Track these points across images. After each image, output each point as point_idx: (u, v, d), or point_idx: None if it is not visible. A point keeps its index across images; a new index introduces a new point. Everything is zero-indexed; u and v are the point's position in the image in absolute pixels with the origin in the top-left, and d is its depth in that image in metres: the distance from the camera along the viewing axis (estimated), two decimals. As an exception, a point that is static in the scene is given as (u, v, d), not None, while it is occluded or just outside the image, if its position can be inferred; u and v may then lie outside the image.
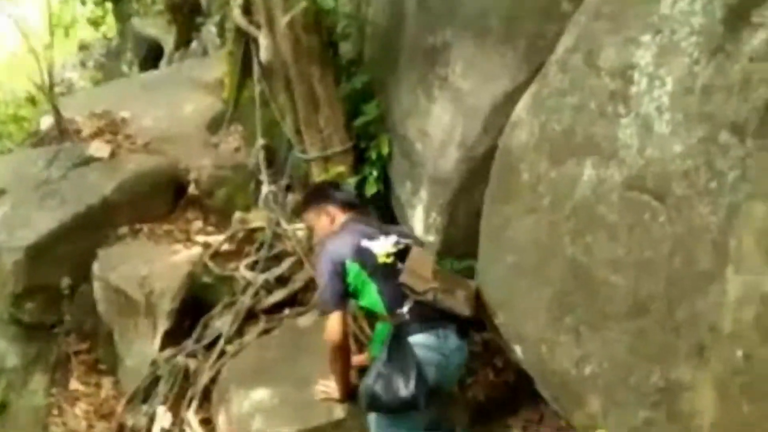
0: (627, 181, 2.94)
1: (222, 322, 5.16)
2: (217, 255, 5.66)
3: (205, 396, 4.79)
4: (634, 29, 2.98)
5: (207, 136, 7.24)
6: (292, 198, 5.72)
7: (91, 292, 6.12)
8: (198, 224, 6.50)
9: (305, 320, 4.90)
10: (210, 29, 10.20)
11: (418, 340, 3.46)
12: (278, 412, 4.15)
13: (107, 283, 5.92)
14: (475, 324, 3.72)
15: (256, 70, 6.17)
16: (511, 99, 3.88)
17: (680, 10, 2.77)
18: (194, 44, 11.21)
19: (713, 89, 2.62)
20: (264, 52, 5.58)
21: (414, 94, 4.70)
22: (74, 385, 6.15)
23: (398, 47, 4.99)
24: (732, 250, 2.51)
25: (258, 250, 5.58)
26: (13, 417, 6.06)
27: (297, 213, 4.73)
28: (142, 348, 5.51)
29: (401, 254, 3.68)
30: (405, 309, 3.50)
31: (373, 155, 5.15)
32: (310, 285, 4.98)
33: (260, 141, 6.16)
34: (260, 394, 4.29)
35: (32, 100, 10.14)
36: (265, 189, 5.91)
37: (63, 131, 7.38)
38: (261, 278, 5.24)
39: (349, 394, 3.87)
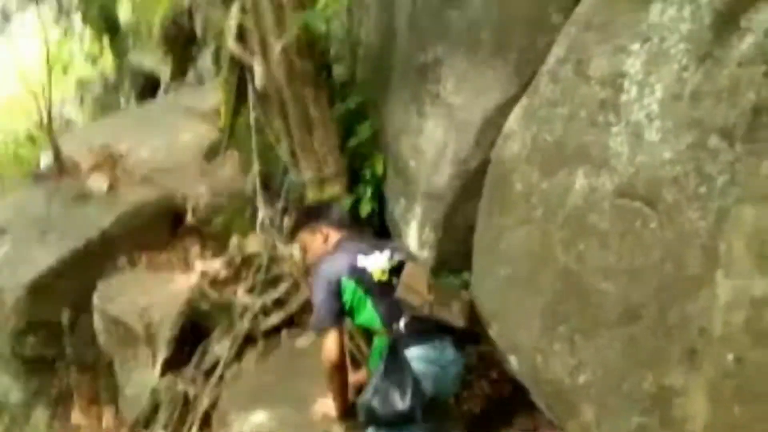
0: (618, 189, 2.93)
1: (220, 347, 5.19)
2: (215, 281, 5.68)
3: (206, 421, 4.80)
4: (623, 38, 3.00)
5: (204, 165, 7.30)
6: (289, 221, 5.73)
7: (92, 324, 6.15)
8: (196, 251, 6.53)
9: (303, 341, 4.92)
10: (205, 59, 10.30)
11: (415, 353, 3.46)
12: (278, 433, 4.13)
13: (107, 314, 5.95)
14: (471, 336, 3.72)
15: (251, 96, 6.24)
16: (502, 112, 3.89)
17: (669, 18, 2.79)
18: (190, 74, 11.32)
19: (702, 95, 2.62)
20: (258, 79, 5.65)
21: (406, 111, 4.71)
22: (76, 417, 6.20)
23: (390, 66, 5.02)
24: (722, 254, 2.49)
25: (255, 274, 5.59)
26: (16, 452, 6.09)
27: (293, 235, 4.70)
28: (142, 376, 5.52)
29: (396, 270, 3.69)
30: (402, 323, 3.52)
31: (368, 174, 5.18)
32: (306, 307, 4.99)
33: (256, 166, 6.20)
34: (260, 417, 4.27)
35: (32, 139, 10.24)
36: (261, 214, 5.93)
37: (62, 167, 7.48)
38: (258, 302, 5.26)
39: (348, 411, 3.85)
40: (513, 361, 3.53)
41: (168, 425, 4.97)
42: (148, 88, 12.45)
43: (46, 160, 7.97)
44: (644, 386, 2.75)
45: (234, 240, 6.01)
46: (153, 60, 12.34)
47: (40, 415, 6.47)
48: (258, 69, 5.60)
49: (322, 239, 4.01)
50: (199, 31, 10.67)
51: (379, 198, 5.15)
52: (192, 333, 5.49)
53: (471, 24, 4.19)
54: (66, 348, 6.39)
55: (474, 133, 4.12)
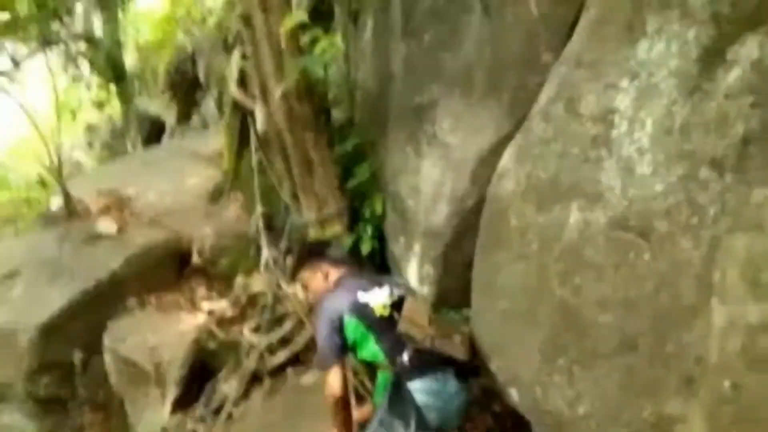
0: (612, 222, 2.97)
1: (228, 386, 5.23)
2: (221, 321, 5.75)
3: (215, 459, 4.79)
4: (612, 75, 3.06)
5: (208, 207, 7.41)
6: (292, 261, 5.78)
7: (103, 364, 6.23)
8: (202, 292, 6.59)
9: (308, 379, 4.95)
10: (209, 104, 10.44)
11: (419, 386, 3.49)
12: (284, 471, 4.15)
13: (118, 354, 6.03)
14: (472, 368, 3.75)
15: (253, 140, 6.34)
16: (497, 150, 3.95)
17: (657, 53, 2.85)
18: (195, 118, 11.46)
19: (691, 127, 2.68)
20: (260, 123, 5.75)
21: (404, 152, 4.78)
22: (89, 456, 6.19)
23: (387, 109, 5.10)
24: (716, 283, 2.53)
25: (260, 313, 5.65)
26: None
27: (295, 274, 4.76)
28: (153, 415, 5.57)
29: (396, 305, 3.74)
30: (405, 357, 3.54)
31: (367, 214, 5.26)
32: (311, 344, 5.03)
33: (259, 208, 6.29)
34: (267, 455, 4.29)
35: (42, 183, 10.33)
36: (265, 254, 5.99)
37: (72, 211, 7.58)
38: (264, 341, 5.31)
39: None
40: (513, 394, 3.54)
41: (179, 463, 4.99)
42: (154, 132, 12.62)
43: (56, 203, 8.06)
44: (643, 415, 2.76)
45: (239, 280, 6.08)
46: (158, 105, 12.54)
47: (55, 453, 6.51)
48: (259, 114, 5.70)
49: (322, 277, 4.06)
50: (202, 77, 10.83)
51: (379, 236, 5.21)
52: (200, 372, 5.54)
53: (464, 66, 4.27)
54: (78, 388, 6.45)
55: (470, 171, 4.19)
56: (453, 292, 4.33)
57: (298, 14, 5.04)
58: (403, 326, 3.56)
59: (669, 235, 2.72)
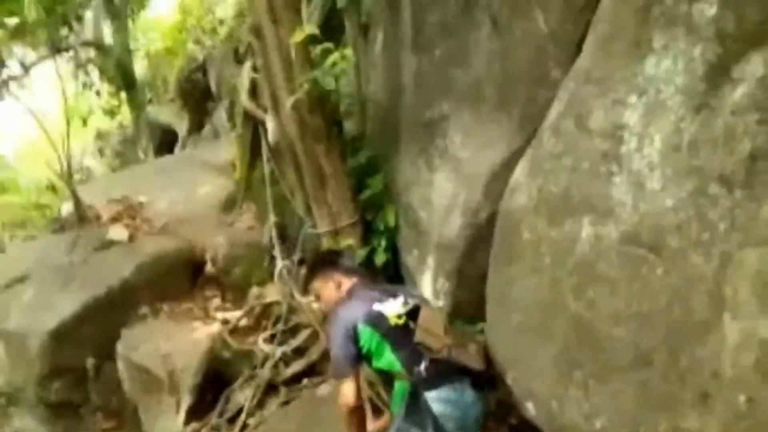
0: (623, 237, 3.01)
1: (243, 396, 5.26)
2: (235, 330, 5.79)
3: (230, 468, 4.82)
4: (620, 91, 3.09)
5: (221, 216, 7.45)
6: (305, 271, 5.81)
7: (116, 371, 6.25)
8: (216, 301, 6.63)
9: (323, 390, 4.96)
10: (221, 114, 10.47)
11: (436, 395, 3.49)
12: (299, 482, 4.19)
13: (131, 361, 6.05)
14: (489, 379, 3.77)
15: (264, 150, 6.38)
16: (508, 165, 3.99)
17: (664, 70, 2.88)
18: (206, 128, 11.49)
19: (700, 144, 2.71)
20: (271, 134, 5.80)
21: (416, 165, 4.82)
22: (102, 463, 6.23)
23: (398, 122, 5.14)
24: (728, 298, 2.57)
25: (275, 323, 5.70)
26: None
27: (308, 284, 4.80)
28: (167, 424, 5.59)
29: (411, 314, 3.75)
30: (422, 367, 3.54)
31: (381, 226, 5.27)
32: (326, 355, 5.05)
33: (272, 218, 6.34)
34: (282, 465, 4.33)
35: (53, 188, 10.39)
36: (279, 264, 6.04)
37: (83, 217, 7.60)
38: (279, 351, 5.35)
39: None
40: (530, 407, 3.58)
41: (193, 472, 5.03)
42: (166, 141, 12.66)
43: (67, 208, 8.10)
44: (659, 430, 2.80)
45: (253, 290, 6.12)
46: (169, 114, 12.60)
47: (67, 459, 6.56)
48: (270, 125, 5.75)
49: (334, 287, 4.07)
50: (213, 87, 10.86)
51: (393, 249, 5.24)
52: (214, 381, 5.57)
53: (474, 81, 4.31)
54: (91, 394, 6.48)
55: (482, 185, 4.22)
56: (467, 305, 4.37)
57: (309, 27, 5.08)
58: (419, 336, 3.58)
59: (680, 250, 2.76)
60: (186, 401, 5.50)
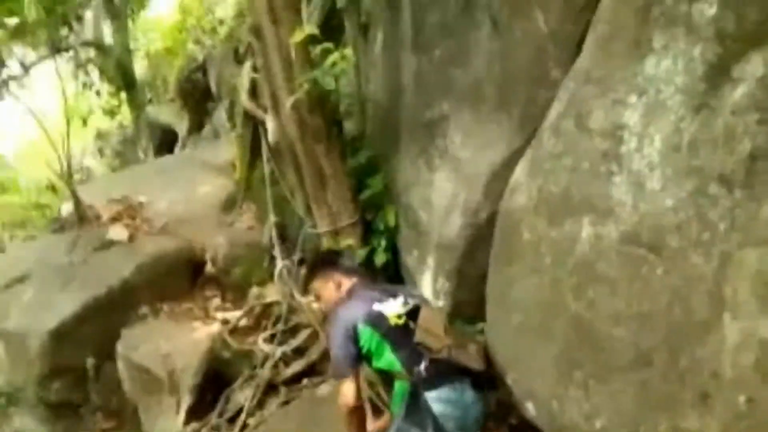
0: (623, 237, 3.02)
1: (243, 395, 5.27)
2: (235, 330, 5.80)
3: (230, 468, 4.81)
4: (620, 91, 3.10)
5: (221, 216, 7.45)
6: (305, 271, 5.81)
7: (116, 371, 6.26)
8: (216, 301, 6.63)
9: (323, 390, 4.97)
10: (221, 114, 10.47)
11: (437, 395, 3.50)
12: (299, 482, 4.19)
13: (131, 361, 6.05)
14: (488, 379, 3.77)
15: (264, 150, 6.38)
16: (508, 165, 3.99)
17: (664, 70, 2.89)
18: (206, 128, 11.50)
19: (700, 144, 2.72)
20: (271, 134, 5.81)
21: (416, 165, 4.82)
22: (102, 463, 6.23)
23: (398, 122, 5.14)
24: (728, 298, 2.57)
25: (275, 323, 5.71)
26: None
27: (307, 284, 4.79)
28: (167, 424, 5.59)
29: (411, 314, 3.75)
30: (422, 367, 3.55)
31: (381, 226, 5.28)
32: (326, 355, 5.05)
33: (272, 218, 6.34)
34: (282, 465, 4.33)
35: (53, 188, 10.40)
36: (279, 264, 6.04)
37: (83, 217, 7.59)
38: (279, 351, 5.36)
39: None
40: (530, 408, 3.58)
41: (193, 472, 5.03)
42: (166, 141, 12.67)
43: (67, 208, 8.09)
44: (660, 429, 2.80)
45: (253, 290, 6.12)
46: (169, 114, 12.60)
47: (66, 459, 6.56)
48: (270, 125, 5.76)
49: (334, 287, 4.07)
50: (213, 87, 10.86)
51: (393, 249, 5.25)
52: (214, 381, 5.57)
53: (474, 81, 4.31)
54: (91, 394, 6.48)
55: (482, 185, 4.23)
56: (467, 305, 4.37)
57: (308, 27, 5.08)
58: (419, 336, 3.59)
59: (680, 250, 2.76)
60: (186, 401, 5.50)
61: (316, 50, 5.02)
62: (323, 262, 4.35)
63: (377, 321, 3.72)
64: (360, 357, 3.76)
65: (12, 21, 10.14)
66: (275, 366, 5.32)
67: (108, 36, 13.03)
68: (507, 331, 3.73)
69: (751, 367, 2.48)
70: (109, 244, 7.17)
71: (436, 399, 3.49)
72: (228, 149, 8.18)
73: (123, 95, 12.94)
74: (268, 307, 5.90)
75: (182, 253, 7.05)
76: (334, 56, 4.84)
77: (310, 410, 4.86)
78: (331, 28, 5.59)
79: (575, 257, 3.27)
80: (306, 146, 5.39)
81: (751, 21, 2.57)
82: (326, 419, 4.48)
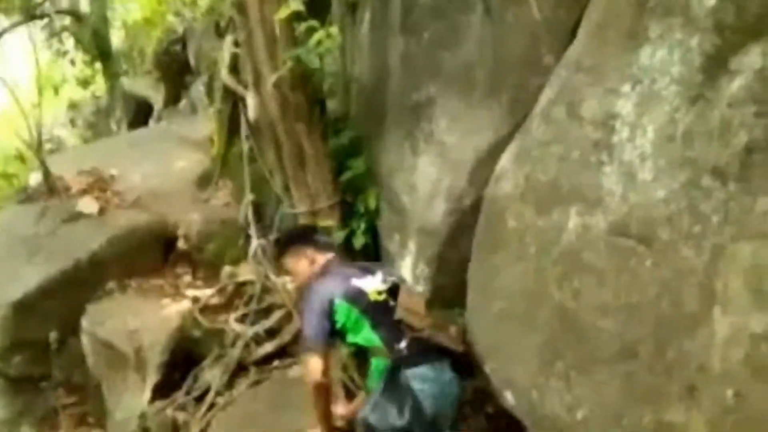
0: (612, 227, 3.00)
1: (212, 375, 5.19)
2: (206, 308, 5.72)
3: (195, 449, 4.75)
4: (613, 80, 3.07)
5: (196, 192, 7.32)
6: (278, 246, 5.75)
7: (80, 346, 6.12)
8: (187, 278, 6.53)
9: (294, 371, 4.92)
10: (198, 88, 10.35)
11: (417, 372, 3.50)
12: (267, 463, 4.13)
13: (96, 336, 5.93)
14: (466, 363, 3.77)
15: (243, 127, 6.30)
16: (494, 151, 3.96)
17: (659, 60, 2.87)
18: (183, 102, 11.36)
19: (694, 135, 2.70)
20: (251, 111, 5.72)
21: (400, 148, 4.77)
22: (62, 438, 6.13)
23: (383, 104, 5.08)
24: (719, 292, 2.56)
25: (247, 303, 5.63)
26: (-1, 471, 6.04)
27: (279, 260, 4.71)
28: (132, 401, 5.48)
29: (390, 291, 3.75)
30: (402, 344, 3.55)
31: (361, 209, 5.22)
32: (299, 337, 4.99)
33: (249, 196, 6.26)
34: (250, 446, 4.27)
35: (21, 157, 10.20)
36: (254, 243, 5.97)
37: (52, 188, 7.41)
38: (251, 331, 5.30)
39: None
40: (509, 397, 3.57)
41: (156, 452, 4.95)
42: (141, 114, 12.47)
43: (35, 179, 7.91)
44: (644, 422, 2.79)
45: (226, 268, 6.04)
46: (145, 86, 12.40)
47: (26, 434, 6.44)
48: (251, 101, 5.67)
49: (308, 262, 4.03)
50: (192, 60, 10.73)
51: (373, 232, 5.20)
52: (183, 359, 5.49)
53: (464, 65, 4.28)
54: (53, 369, 6.36)
55: (467, 171, 4.21)
56: (447, 291, 4.34)
57: (294, 3, 4.98)
58: (400, 313, 3.59)
59: (671, 243, 2.74)
60: (152, 379, 5.41)
61: (301, 27, 4.94)
62: (297, 237, 4.32)
63: (356, 296, 3.71)
64: (333, 333, 3.73)
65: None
66: (246, 346, 5.24)
67: (84, 4, 12.81)
68: (488, 319, 3.71)
69: (741, 362, 2.46)
70: (78, 216, 7.00)
71: (415, 376, 3.48)
72: (205, 124, 8.04)
73: (98, 65, 12.66)
74: (241, 286, 5.82)
75: (154, 228, 6.90)
76: (319, 34, 4.75)
77: (280, 391, 4.82)
78: (317, 6, 5.47)
79: (561, 247, 3.25)
80: (287, 125, 5.32)
81: (752, 13, 2.56)
82: (296, 401, 4.41)
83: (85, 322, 6.14)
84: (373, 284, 3.77)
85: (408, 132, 4.70)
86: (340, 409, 4.04)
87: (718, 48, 2.65)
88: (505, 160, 3.78)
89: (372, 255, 5.11)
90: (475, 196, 4.09)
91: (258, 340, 5.29)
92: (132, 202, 7.22)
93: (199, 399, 5.11)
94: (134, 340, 5.60)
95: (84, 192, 7.36)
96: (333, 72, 6.04)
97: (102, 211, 7.06)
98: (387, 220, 5.03)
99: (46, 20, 11.88)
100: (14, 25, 10.65)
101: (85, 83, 13.00)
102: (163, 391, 5.36)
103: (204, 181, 7.41)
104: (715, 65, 2.65)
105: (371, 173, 5.25)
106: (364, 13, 5.58)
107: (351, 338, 3.73)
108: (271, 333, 5.33)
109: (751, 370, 2.43)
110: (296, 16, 4.96)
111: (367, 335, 3.66)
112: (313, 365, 3.68)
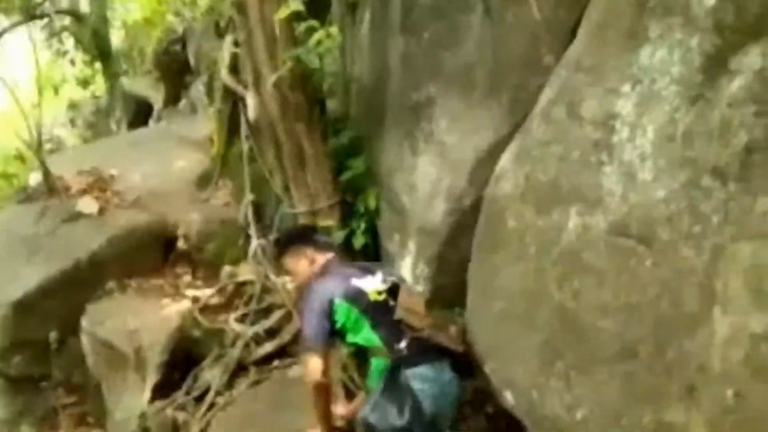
0: (612, 227, 3.00)
1: (212, 375, 5.19)
2: (206, 308, 5.71)
3: (194, 449, 4.75)
4: (613, 80, 3.07)
5: (196, 192, 7.32)
6: (278, 247, 5.75)
7: (80, 346, 6.12)
8: (187, 278, 6.53)
9: (294, 371, 4.92)
10: (198, 87, 10.35)
11: (417, 372, 3.50)
12: (267, 463, 4.13)
13: (96, 336, 5.93)
14: (466, 363, 3.77)
15: (243, 127, 6.29)
16: (494, 151, 3.96)
17: (659, 60, 2.87)
18: (183, 102, 11.35)
19: (694, 135, 2.70)
20: (251, 111, 5.71)
21: (400, 148, 4.77)
22: (62, 438, 6.13)
23: (383, 103, 5.08)
24: (719, 292, 2.55)
25: (247, 303, 5.63)
26: (-1, 470, 6.04)
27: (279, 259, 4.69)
28: (131, 401, 5.48)
29: (390, 291, 3.75)
30: (403, 344, 3.55)
31: (361, 209, 5.23)
32: (299, 337, 4.99)
33: (249, 196, 6.26)
34: (249, 446, 4.27)
35: (21, 157, 10.20)
36: (254, 243, 5.96)
37: (51, 188, 7.40)
38: (250, 331, 5.30)
39: None
40: (508, 397, 3.57)
41: (157, 451, 4.95)
42: (140, 114, 12.47)
43: (35, 179, 7.91)
44: (643, 422, 2.79)
45: (226, 268, 6.04)
46: (145, 86, 12.39)
47: (26, 433, 6.44)
48: (251, 101, 5.68)
49: (307, 262, 4.03)
50: (192, 60, 10.73)
51: (373, 232, 5.20)
52: (183, 359, 5.49)
53: (464, 65, 4.28)
54: (53, 368, 6.36)
55: (467, 171, 4.21)
56: (447, 291, 4.34)
57: (294, 3, 4.98)
58: (401, 313, 3.60)
59: (671, 243, 2.74)
60: (152, 378, 5.41)
61: (301, 27, 4.94)
62: (297, 237, 4.32)
63: (356, 296, 3.71)
64: (333, 332, 3.73)
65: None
66: (246, 346, 5.24)
67: (84, 4, 12.82)
68: (488, 319, 3.71)
69: (741, 362, 2.46)
70: (78, 216, 7.00)
71: (415, 376, 3.49)
72: (205, 124, 8.04)
73: (98, 65, 12.69)
74: (241, 286, 5.82)
75: (154, 227, 6.90)
76: (319, 34, 4.76)
77: (279, 391, 4.82)
78: (317, 5, 5.48)
79: (561, 247, 3.25)
80: (287, 124, 5.32)
81: (752, 13, 2.56)
82: (296, 401, 4.41)
83: (84, 322, 6.13)
84: (373, 284, 3.77)
85: (408, 132, 4.70)
86: (340, 409, 4.04)
87: (718, 48, 2.65)
88: (505, 160, 3.77)
89: (372, 255, 5.12)
90: (475, 196, 4.09)
91: (258, 340, 5.30)
92: (132, 201, 7.22)
93: (199, 399, 5.11)
94: (134, 340, 5.60)
95: (84, 192, 7.36)
96: (333, 72, 6.03)
97: (102, 211, 7.05)
98: (387, 220, 5.03)
99: (46, 20, 11.89)
100: (14, 25, 10.66)
101: (84, 83, 13.01)
102: (162, 390, 5.35)
103: (204, 180, 7.41)
104: (715, 65, 2.65)
105: (371, 173, 5.25)
106: (364, 13, 5.58)
107: (351, 338, 3.73)
108: (271, 333, 5.34)
109: (750, 370, 2.43)
110: (296, 16, 4.96)
111: (366, 335, 3.66)
112: (313, 365, 3.68)
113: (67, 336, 6.28)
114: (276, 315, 5.41)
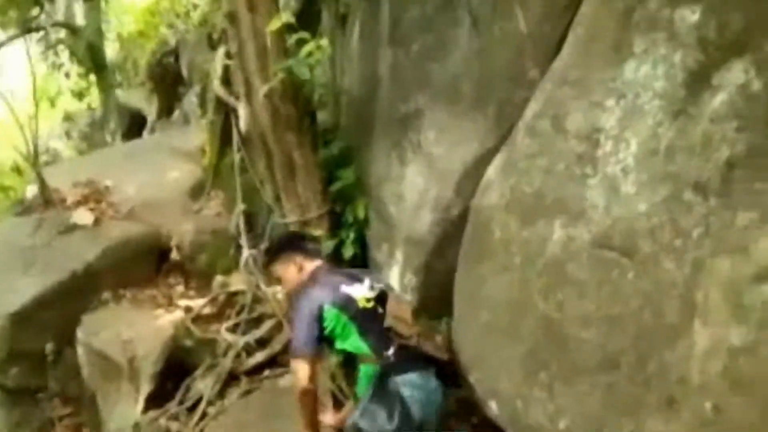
0: (595, 240, 3.03)
1: (204, 384, 5.19)
2: (198, 318, 5.72)
3: (188, 457, 4.76)
4: (598, 94, 3.11)
5: (189, 203, 7.32)
6: (268, 254, 5.77)
7: (75, 357, 6.11)
8: (180, 289, 6.53)
9: (285, 381, 4.91)
10: (191, 99, 10.37)
11: (407, 379, 3.52)
12: (257, 471, 4.14)
13: (91, 347, 5.92)
14: (450, 373, 3.79)
15: (235, 138, 6.30)
16: (481, 162, 3.98)
17: (643, 75, 2.91)
18: (176, 113, 11.37)
19: (676, 150, 2.73)
20: (243, 122, 5.73)
21: (388, 159, 4.80)
22: (58, 449, 6.13)
23: (372, 115, 5.11)
24: (699, 304, 2.58)
25: (239, 313, 5.65)
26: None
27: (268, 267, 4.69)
28: (125, 411, 5.48)
29: (378, 298, 3.77)
30: (390, 351, 3.57)
31: (350, 219, 5.26)
32: (289, 347, 5.01)
33: (240, 206, 6.26)
34: (241, 455, 4.28)
35: (18, 170, 10.21)
36: (245, 253, 5.97)
37: (48, 200, 7.40)
38: (242, 341, 5.30)
39: None
40: (493, 407, 3.59)
41: (151, 460, 4.96)
42: (134, 125, 12.49)
43: (31, 191, 7.92)
44: (624, 432, 2.80)
45: (218, 278, 6.05)
46: (139, 98, 12.42)
47: (22, 445, 6.44)
48: (242, 112, 5.70)
49: (296, 269, 4.04)
50: (185, 71, 10.76)
51: (362, 242, 5.22)
52: (175, 369, 5.49)
53: (451, 77, 4.30)
54: (49, 380, 6.35)
55: (454, 182, 4.23)
56: (434, 301, 4.36)
57: (285, 15, 5.02)
58: (389, 321, 3.62)
59: (652, 255, 2.78)
60: (145, 389, 5.41)
61: (292, 39, 4.96)
62: (286, 244, 4.31)
63: (345, 303, 3.73)
64: (322, 338, 3.74)
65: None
66: (237, 356, 5.25)
67: (79, 17, 12.85)
68: (474, 329, 3.74)
69: (719, 374, 2.49)
70: (73, 227, 7.00)
71: (404, 383, 3.51)
72: (197, 135, 8.05)
73: (92, 77, 12.74)
74: (232, 296, 5.84)
75: (147, 238, 6.91)
76: (310, 46, 4.78)
77: (270, 401, 4.82)
78: (308, 18, 5.55)
79: (545, 258, 3.28)
80: (278, 135, 5.35)
81: (734, 29, 2.60)
82: (287, 410, 4.40)
83: (80, 333, 6.12)
84: (361, 291, 3.79)
85: (396, 142, 4.73)
86: (329, 418, 4.04)
87: (701, 64, 2.69)
88: (492, 171, 3.80)
89: (360, 264, 5.12)
90: (462, 207, 4.12)
91: (249, 349, 5.30)
92: (126, 213, 7.22)
93: (192, 409, 5.11)
94: (128, 351, 5.59)
95: (79, 203, 7.35)
96: (323, 83, 6.08)
97: (97, 223, 7.04)
98: (375, 230, 5.06)
99: (41, 33, 11.91)
100: (11, 39, 10.68)
101: (80, 95, 13.06)
102: (156, 400, 5.35)
103: (196, 191, 7.41)
104: (698, 81, 2.69)
105: (360, 183, 5.28)
106: (353, 26, 5.62)
107: (339, 344, 3.75)
108: (262, 343, 5.34)
109: (729, 383, 2.45)
110: (287, 28, 5.00)
111: (354, 342, 3.68)
112: (300, 371, 3.70)
113: (63, 347, 6.27)
114: (267, 325, 5.41)
